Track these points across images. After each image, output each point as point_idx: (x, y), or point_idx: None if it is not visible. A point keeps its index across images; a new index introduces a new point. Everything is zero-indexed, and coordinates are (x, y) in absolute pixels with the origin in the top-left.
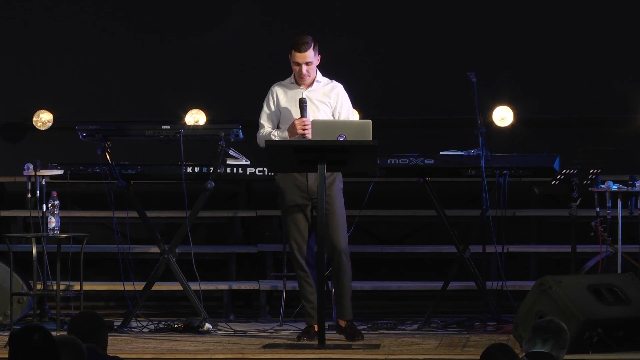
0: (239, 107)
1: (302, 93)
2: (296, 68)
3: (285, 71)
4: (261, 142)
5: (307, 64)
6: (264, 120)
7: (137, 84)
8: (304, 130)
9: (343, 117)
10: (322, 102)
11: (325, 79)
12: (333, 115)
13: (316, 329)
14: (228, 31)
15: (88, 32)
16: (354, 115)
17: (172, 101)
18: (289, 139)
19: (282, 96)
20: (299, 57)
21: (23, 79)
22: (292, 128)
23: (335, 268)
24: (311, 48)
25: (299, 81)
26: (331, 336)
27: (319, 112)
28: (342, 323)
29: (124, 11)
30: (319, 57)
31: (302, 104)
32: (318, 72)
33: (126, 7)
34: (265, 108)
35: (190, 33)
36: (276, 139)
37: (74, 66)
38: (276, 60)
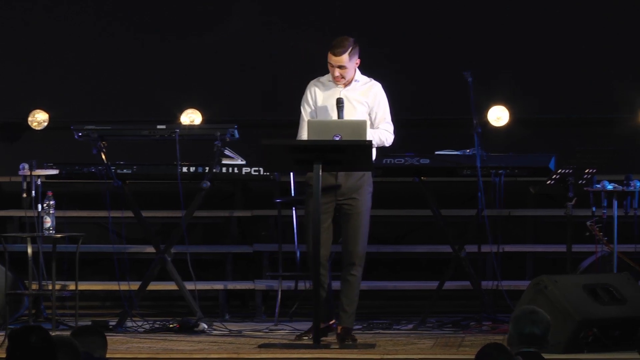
0: (235, 107)
1: (340, 92)
2: (331, 70)
3: (283, 70)
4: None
5: (340, 67)
6: (303, 120)
7: (133, 84)
8: None
9: (379, 117)
10: (360, 101)
11: (365, 78)
12: (370, 114)
13: (321, 327)
14: (225, 31)
15: (85, 32)
16: (389, 116)
17: (167, 101)
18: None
19: (319, 94)
20: (333, 60)
21: (19, 79)
22: None
23: (346, 275)
24: (347, 52)
25: (335, 82)
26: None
27: (355, 111)
28: (339, 328)
29: (121, 11)
30: (358, 61)
31: (340, 104)
32: (357, 71)
33: (124, 8)
34: (305, 105)
35: (187, 33)
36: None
37: (70, 66)
38: (275, 60)
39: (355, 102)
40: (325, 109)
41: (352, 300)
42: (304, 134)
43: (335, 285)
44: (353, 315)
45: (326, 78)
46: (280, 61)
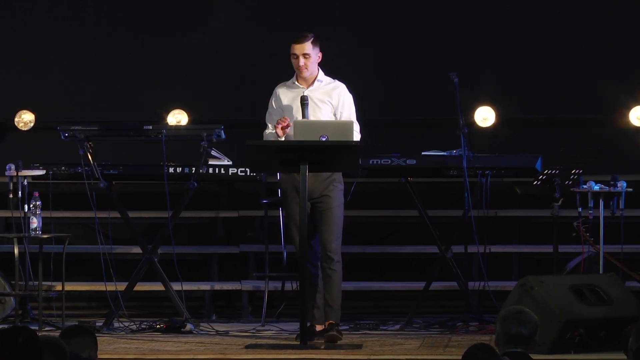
0: (221, 108)
1: (304, 92)
2: (294, 61)
3: (269, 71)
4: None
5: (304, 55)
6: (268, 120)
7: (119, 85)
8: (282, 130)
9: (345, 117)
10: (323, 101)
11: (328, 79)
12: (335, 115)
13: (317, 329)
14: (211, 31)
15: (71, 33)
16: (355, 115)
17: (154, 101)
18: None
19: (283, 96)
20: (296, 48)
21: (5, 80)
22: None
23: (326, 270)
24: (309, 41)
25: (299, 75)
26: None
27: (320, 111)
28: (326, 323)
29: (106, 12)
30: (319, 55)
31: (304, 101)
32: (320, 71)
33: (109, 8)
34: (269, 108)
35: (173, 33)
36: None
37: (56, 67)
38: (262, 60)
39: (319, 101)
40: (290, 109)
41: (335, 295)
42: (269, 137)
43: None
44: (338, 310)
45: (291, 81)
46: (266, 62)
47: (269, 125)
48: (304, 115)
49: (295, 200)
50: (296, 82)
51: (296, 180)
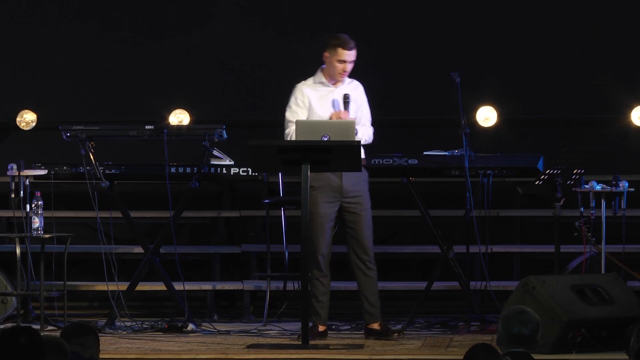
0: (223, 108)
1: (334, 91)
2: (339, 65)
3: (272, 71)
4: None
5: (351, 62)
6: (291, 118)
7: (121, 85)
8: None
9: (365, 115)
10: (352, 99)
11: (347, 78)
12: (356, 112)
13: (320, 330)
14: (213, 31)
15: (73, 33)
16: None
17: (155, 101)
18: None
19: (311, 94)
20: (347, 54)
21: (6, 79)
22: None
23: (363, 273)
24: (355, 48)
25: (337, 78)
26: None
27: (350, 109)
28: (376, 325)
29: (108, 12)
30: None
31: (347, 99)
32: None
33: (111, 8)
34: (294, 107)
35: (175, 33)
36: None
37: (58, 67)
38: (263, 60)
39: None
40: (320, 109)
41: (377, 295)
42: (293, 136)
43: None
44: (379, 308)
45: (312, 80)
46: (268, 62)
47: (293, 122)
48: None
49: (326, 200)
50: (324, 81)
51: (330, 178)
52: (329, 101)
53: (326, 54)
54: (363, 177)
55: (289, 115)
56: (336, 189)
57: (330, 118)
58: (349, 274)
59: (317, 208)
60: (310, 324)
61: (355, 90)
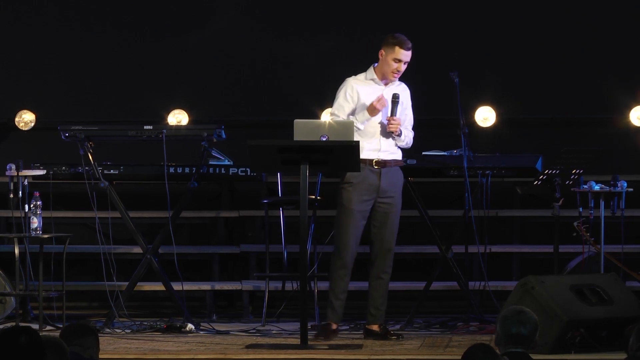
0: (221, 108)
1: (384, 90)
2: (394, 64)
3: (270, 71)
4: None
5: (405, 63)
6: (338, 111)
7: (119, 85)
8: (394, 126)
9: (408, 119)
10: (399, 100)
11: (396, 80)
12: (401, 114)
13: (334, 328)
14: (212, 31)
15: (72, 32)
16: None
17: (154, 101)
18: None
19: (362, 91)
20: (404, 54)
21: (5, 79)
22: (371, 108)
23: (381, 271)
24: (412, 49)
25: (389, 77)
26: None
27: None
28: (376, 327)
29: (107, 11)
30: None
31: (395, 99)
32: None
33: (109, 8)
34: (342, 101)
35: (173, 33)
36: (356, 124)
37: (57, 67)
38: (262, 61)
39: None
40: (366, 106)
41: (385, 298)
42: (342, 114)
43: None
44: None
45: (363, 77)
46: (267, 62)
47: (340, 116)
48: (393, 112)
49: (362, 197)
50: (375, 78)
51: (368, 176)
52: (375, 97)
53: (382, 52)
54: (400, 179)
55: (335, 108)
56: (373, 187)
57: (388, 121)
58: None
59: (350, 204)
60: (323, 323)
61: (404, 92)
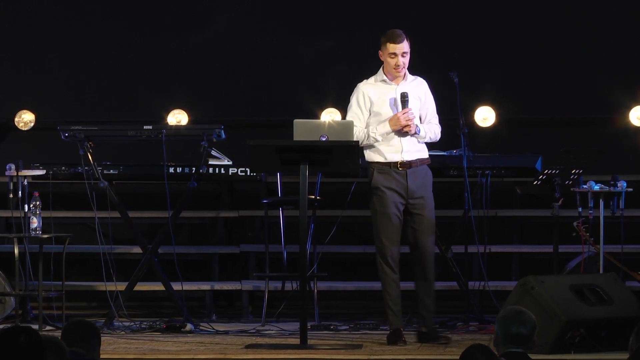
0: (221, 108)
1: (396, 89)
2: (392, 60)
3: (270, 71)
4: (362, 142)
5: (403, 54)
6: (358, 122)
7: (119, 85)
8: (408, 121)
9: (430, 112)
10: (414, 96)
11: (410, 75)
12: (420, 110)
13: (401, 329)
14: (212, 31)
15: (71, 32)
16: (435, 111)
17: (154, 101)
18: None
19: (373, 94)
20: (397, 47)
21: (5, 79)
22: (395, 121)
23: (424, 274)
24: (406, 39)
25: (394, 73)
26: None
27: (412, 106)
28: (425, 329)
29: (107, 11)
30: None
31: (404, 97)
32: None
33: (109, 8)
34: (355, 108)
35: (173, 33)
36: (375, 136)
37: (57, 66)
38: (262, 61)
39: (411, 97)
40: (382, 106)
41: (434, 299)
42: (357, 132)
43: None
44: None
45: (374, 79)
46: (267, 62)
47: (359, 126)
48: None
49: (395, 201)
50: (386, 79)
51: (396, 178)
52: (391, 99)
53: (380, 53)
54: (428, 178)
55: (351, 117)
56: (402, 189)
57: (398, 118)
58: (348, 274)
59: (386, 208)
60: (390, 330)
61: (419, 87)
